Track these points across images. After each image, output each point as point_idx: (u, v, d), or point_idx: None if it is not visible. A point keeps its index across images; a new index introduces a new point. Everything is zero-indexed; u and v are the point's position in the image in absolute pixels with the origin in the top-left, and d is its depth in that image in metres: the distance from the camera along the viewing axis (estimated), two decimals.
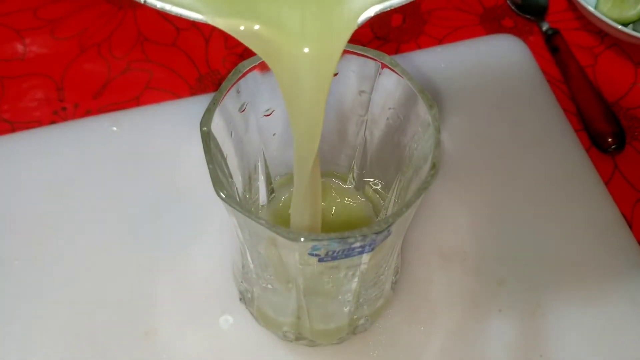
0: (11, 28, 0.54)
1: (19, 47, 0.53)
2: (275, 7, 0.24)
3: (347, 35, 0.25)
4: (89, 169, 0.45)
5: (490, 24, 0.57)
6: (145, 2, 0.23)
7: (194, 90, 0.52)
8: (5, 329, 0.39)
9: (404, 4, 0.25)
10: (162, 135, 0.47)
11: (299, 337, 0.37)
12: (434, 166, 0.27)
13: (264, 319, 0.38)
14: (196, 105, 0.48)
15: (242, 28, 0.24)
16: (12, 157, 0.46)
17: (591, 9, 0.53)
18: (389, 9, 0.25)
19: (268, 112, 0.34)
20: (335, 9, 0.25)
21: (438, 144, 0.28)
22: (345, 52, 0.27)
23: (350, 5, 0.25)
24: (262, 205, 0.39)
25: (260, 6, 0.24)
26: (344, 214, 0.39)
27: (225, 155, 0.31)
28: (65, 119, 0.49)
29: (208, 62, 0.53)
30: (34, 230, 0.43)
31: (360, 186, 0.40)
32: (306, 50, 0.24)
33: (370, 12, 0.25)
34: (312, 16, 0.24)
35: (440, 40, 0.56)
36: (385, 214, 0.38)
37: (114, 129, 0.47)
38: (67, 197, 0.44)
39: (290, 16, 0.24)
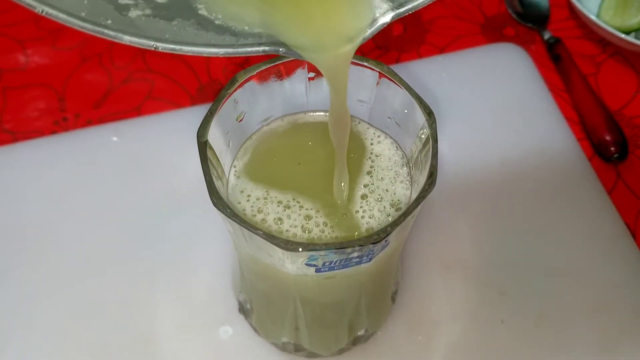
0: (13, 39, 0.54)
1: (21, 58, 0.54)
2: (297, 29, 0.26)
3: (357, 43, 0.27)
4: (89, 179, 0.45)
5: (491, 33, 0.57)
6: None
7: (195, 100, 0.52)
8: (4, 339, 0.39)
9: (418, 8, 0.26)
10: (162, 145, 0.47)
11: (298, 349, 0.37)
12: (431, 175, 0.27)
13: (263, 330, 0.37)
14: (197, 115, 0.48)
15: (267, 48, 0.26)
16: (14, 167, 0.46)
17: (593, 17, 0.53)
18: (407, 14, 0.27)
19: (266, 122, 0.34)
20: (348, 20, 0.27)
21: (435, 153, 0.28)
22: None
23: (364, 15, 0.27)
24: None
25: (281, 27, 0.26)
26: None
27: (223, 165, 0.31)
28: (66, 129, 0.50)
29: (209, 72, 0.53)
30: (35, 239, 0.43)
31: None
32: (325, 54, 0.27)
33: (387, 17, 0.26)
34: (329, 25, 0.27)
35: (441, 50, 0.56)
36: None
37: (115, 139, 0.47)
38: (68, 207, 0.44)
39: (311, 31, 0.27)
